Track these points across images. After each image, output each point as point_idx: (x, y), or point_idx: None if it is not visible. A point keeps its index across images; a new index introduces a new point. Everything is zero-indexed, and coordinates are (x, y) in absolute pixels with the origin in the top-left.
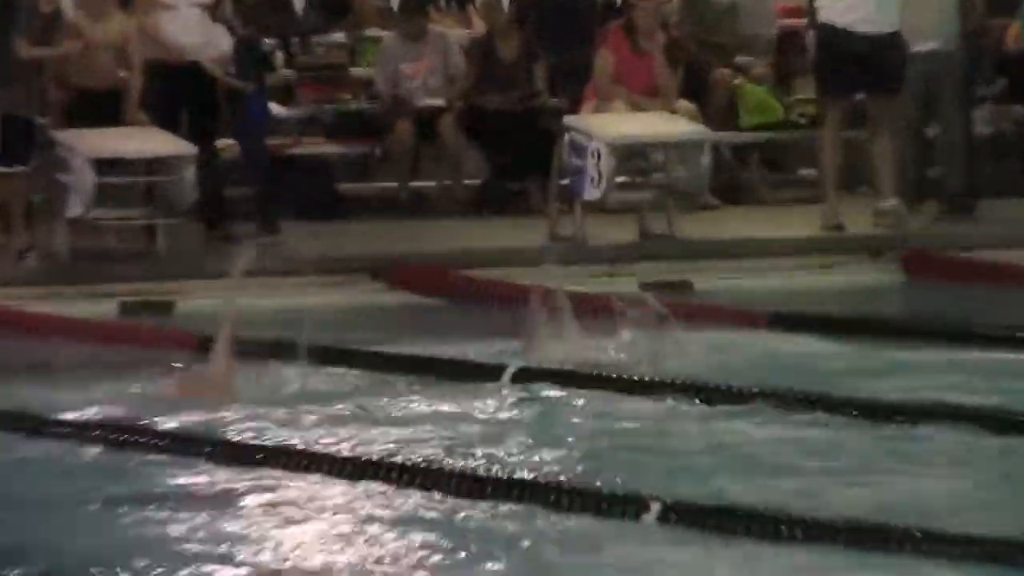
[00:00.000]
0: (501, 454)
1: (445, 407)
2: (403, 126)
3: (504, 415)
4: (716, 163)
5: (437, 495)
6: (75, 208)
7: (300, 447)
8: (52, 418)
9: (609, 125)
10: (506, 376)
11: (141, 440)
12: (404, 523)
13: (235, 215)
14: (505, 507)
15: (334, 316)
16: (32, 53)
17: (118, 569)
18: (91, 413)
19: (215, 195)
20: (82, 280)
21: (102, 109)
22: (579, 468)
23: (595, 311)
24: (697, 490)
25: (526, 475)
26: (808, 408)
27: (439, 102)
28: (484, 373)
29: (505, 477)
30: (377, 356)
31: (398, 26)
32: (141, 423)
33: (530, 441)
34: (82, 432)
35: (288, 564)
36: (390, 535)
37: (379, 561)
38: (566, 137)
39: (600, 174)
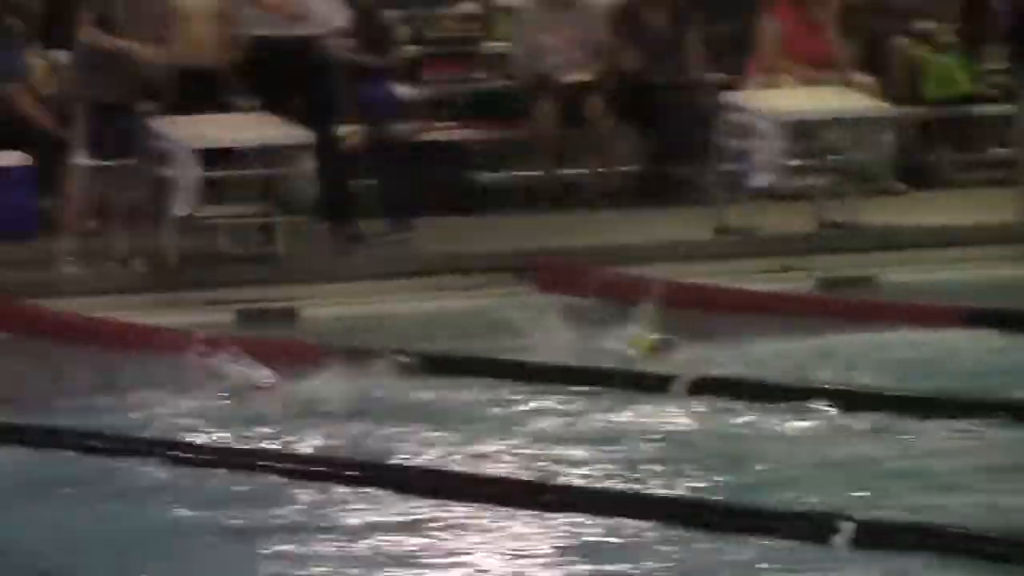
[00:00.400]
0: (673, 471)
1: (610, 421)
2: (546, 107)
3: (676, 429)
4: (899, 142)
5: (604, 518)
6: (181, 206)
7: (453, 469)
8: (175, 439)
9: (777, 101)
10: (678, 387)
11: (270, 465)
12: (569, 549)
13: (363, 210)
14: (679, 531)
15: (474, 321)
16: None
17: None
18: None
19: (338, 189)
20: (193, 287)
21: (204, 91)
22: (759, 486)
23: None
24: (889, 508)
25: (702, 495)
26: (1008, 417)
27: (585, 78)
28: (652, 384)
29: (679, 498)
30: (524, 367)
31: None
32: (271, 447)
33: (704, 457)
34: (208, 456)
35: None
36: (555, 559)
37: None
38: (726, 116)
39: (769, 157)
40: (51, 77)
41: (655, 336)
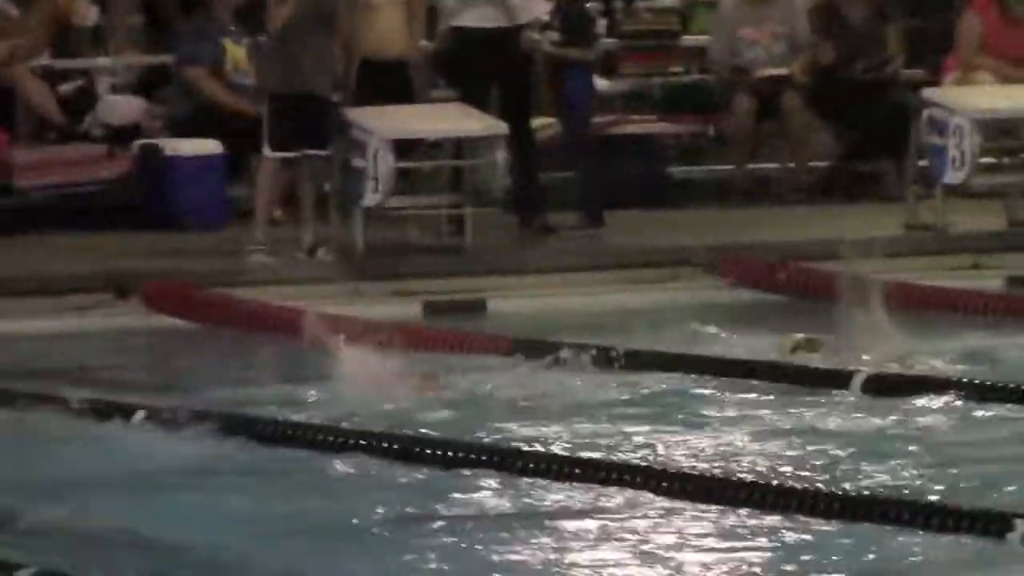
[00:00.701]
0: (847, 468)
1: (788, 417)
2: (743, 101)
3: (852, 426)
4: None
5: (769, 512)
6: (372, 196)
7: (634, 462)
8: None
9: (974, 99)
10: (855, 383)
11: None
12: (733, 539)
13: (552, 203)
14: (849, 526)
15: (666, 314)
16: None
17: None
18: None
19: (530, 181)
20: (381, 277)
21: (392, 82)
22: (934, 483)
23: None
24: None
25: (874, 491)
26: None
27: (783, 72)
28: (831, 380)
29: (848, 494)
30: (704, 361)
31: None
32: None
33: (880, 454)
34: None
35: None
36: (718, 554)
37: None
38: (924, 113)
39: (963, 154)
40: (249, 65)
41: (803, 336)
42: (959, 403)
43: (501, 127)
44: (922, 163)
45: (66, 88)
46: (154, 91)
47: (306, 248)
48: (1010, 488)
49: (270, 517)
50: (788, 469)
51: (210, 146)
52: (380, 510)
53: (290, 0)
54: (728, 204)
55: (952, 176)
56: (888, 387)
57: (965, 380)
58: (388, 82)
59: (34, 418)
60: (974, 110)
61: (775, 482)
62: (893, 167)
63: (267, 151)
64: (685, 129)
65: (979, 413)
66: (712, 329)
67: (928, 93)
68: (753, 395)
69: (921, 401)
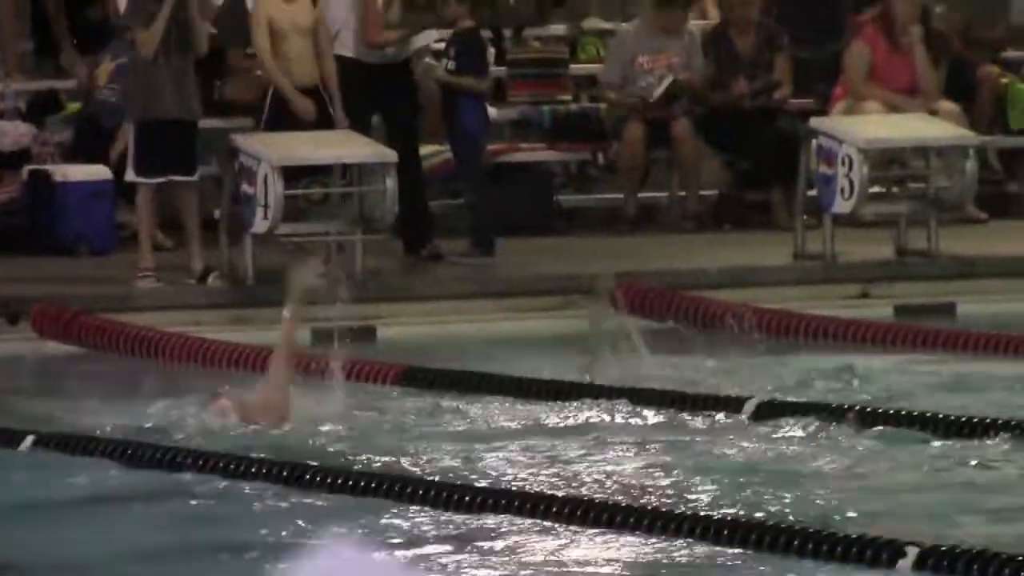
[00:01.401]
0: (744, 495)
1: (682, 442)
2: (635, 129)
3: (745, 452)
4: (982, 171)
5: (661, 538)
6: (262, 223)
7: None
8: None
9: (862, 128)
10: (747, 409)
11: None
12: (621, 564)
13: (441, 230)
14: (741, 552)
15: (553, 343)
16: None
17: None
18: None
19: (418, 208)
20: (270, 304)
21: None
22: (826, 511)
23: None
24: (955, 533)
25: (769, 519)
26: None
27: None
28: (723, 406)
29: (738, 519)
30: (603, 389)
31: (650, 16)
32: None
33: (772, 480)
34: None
35: None
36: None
37: None
38: (813, 142)
39: (852, 183)
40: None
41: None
42: (845, 429)
43: (390, 154)
44: (811, 192)
45: None
46: (43, 117)
47: (196, 275)
48: (899, 515)
49: (160, 543)
50: (674, 493)
51: (99, 172)
52: (265, 534)
53: (157, 25)
54: (617, 232)
55: (841, 205)
56: (780, 413)
57: (851, 406)
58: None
59: None
60: (863, 139)
61: (663, 507)
62: (782, 196)
63: (131, 176)
64: (574, 157)
65: (866, 441)
66: (598, 355)
67: (816, 122)
68: (641, 420)
69: (811, 427)
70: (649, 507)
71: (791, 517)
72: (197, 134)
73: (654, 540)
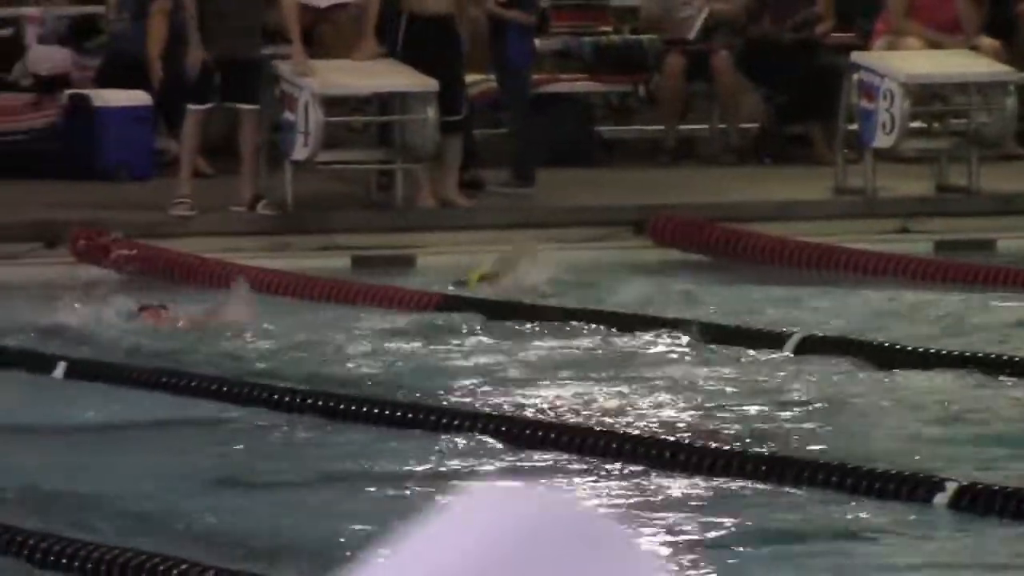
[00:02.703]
0: (774, 429)
1: (720, 377)
2: (675, 62)
3: (784, 387)
4: (1022, 107)
5: (702, 474)
6: (302, 150)
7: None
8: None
9: (904, 63)
10: (789, 345)
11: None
12: (656, 500)
13: (482, 160)
14: (775, 488)
15: (591, 273)
16: None
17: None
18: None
19: (463, 137)
20: (310, 231)
21: (437, 37)
22: (868, 446)
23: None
24: (995, 472)
25: (806, 455)
26: None
27: (713, 33)
28: (764, 340)
29: (774, 455)
30: (635, 319)
31: None
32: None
33: (812, 416)
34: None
35: None
36: (650, 517)
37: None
38: (854, 76)
39: (893, 118)
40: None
41: (485, 269)
42: (885, 365)
43: (432, 84)
44: (851, 127)
45: None
46: (83, 41)
47: (247, 202)
48: (941, 452)
49: (194, 470)
50: (715, 428)
51: (139, 97)
52: (306, 466)
53: None
54: (657, 164)
55: (882, 140)
56: (822, 349)
57: (896, 345)
58: (434, 38)
59: None
60: (904, 74)
61: (699, 443)
62: (822, 130)
63: (189, 104)
64: (615, 88)
65: (912, 378)
66: (641, 287)
67: (858, 57)
68: (679, 354)
69: (850, 364)
70: (686, 442)
71: (829, 452)
72: (260, 65)
73: (693, 476)
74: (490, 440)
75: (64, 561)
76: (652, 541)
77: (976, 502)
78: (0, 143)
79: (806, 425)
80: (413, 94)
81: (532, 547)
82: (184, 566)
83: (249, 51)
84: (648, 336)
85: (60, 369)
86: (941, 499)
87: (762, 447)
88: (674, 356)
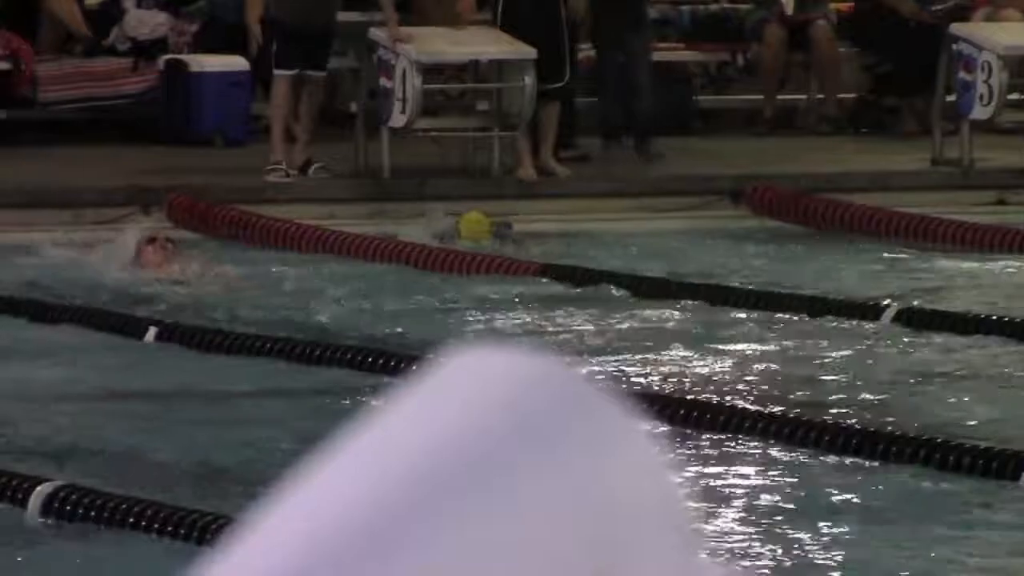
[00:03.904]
0: (862, 401)
1: (813, 349)
2: (774, 31)
3: (882, 359)
4: None
5: (789, 447)
6: (399, 117)
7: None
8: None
9: (1002, 35)
10: (886, 316)
11: None
12: (745, 469)
13: (583, 130)
14: (857, 461)
15: (689, 242)
16: None
17: None
18: None
19: (562, 106)
20: (407, 198)
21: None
22: (958, 421)
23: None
24: None
25: (896, 429)
26: None
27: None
28: (861, 312)
29: (855, 428)
30: (728, 290)
31: None
32: None
33: (908, 389)
34: None
35: None
36: (730, 484)
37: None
38: (953, 48)
39: (991, 90)
40: None
41: (492, 219)
42: (983, 338)
43: (530, 51)
44: (949, 98)
45: (92, 1)
46: (181, 6)
47: (297, 165)
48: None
49: (286, 435)
50: (808, 402)
51: (236, 62)
52: None
53: None
54: (755, 134)
55: (979, 112)
56: (921, 321)
57: (988, 316)
58: (534, 3)
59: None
60: (1002, 46)
61: (785, 413)
62: (920, 101)
63: (277, 71)
64: (713, 58)
65: (1004, 350)
66: (738, 256)
67: (957, 28)
68: (773, 324)
69: (951, 337)
70: (777, 414)
71: (917, 426)
72: (333, 33)
73: (781, 448)
74: None
75: (156, 526)
76: (738, 509)
77: None
78: (97, 108)
79: (901, 398)
80: (510, 61)
81: (517, 417)
82: None
83: (325, 19)
84: (740, 312)
85: (151, 334)
86: None
87: (856, 420)
88: (774, 330)
